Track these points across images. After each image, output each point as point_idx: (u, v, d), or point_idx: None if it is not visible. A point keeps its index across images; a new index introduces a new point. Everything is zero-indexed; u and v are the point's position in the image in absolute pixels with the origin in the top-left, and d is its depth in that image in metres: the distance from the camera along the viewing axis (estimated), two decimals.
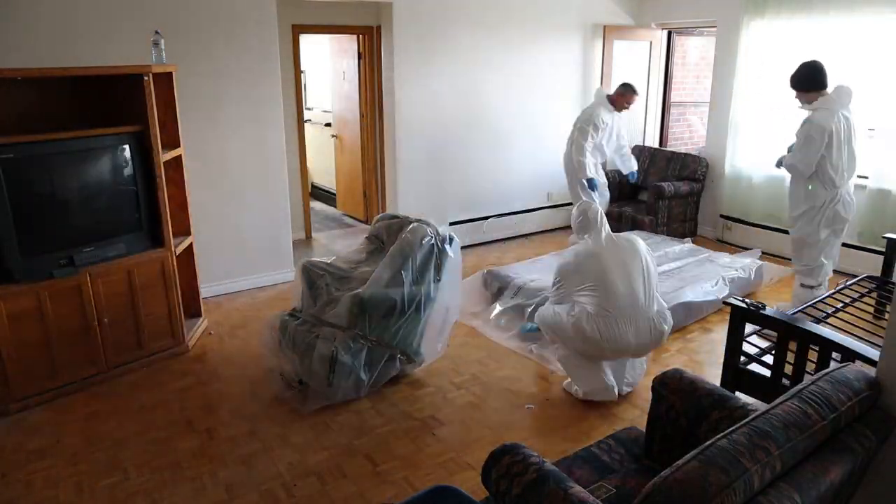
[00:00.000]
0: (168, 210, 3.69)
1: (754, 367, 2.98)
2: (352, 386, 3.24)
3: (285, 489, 2.65)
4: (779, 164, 4.24)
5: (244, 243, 4.88)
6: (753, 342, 3.21)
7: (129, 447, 2.95)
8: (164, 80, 3.76)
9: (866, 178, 5.13)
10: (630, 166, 5.76)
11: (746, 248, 5.64)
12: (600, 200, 5.48)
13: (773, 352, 2.91)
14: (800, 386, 1.68)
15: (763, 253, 5.51)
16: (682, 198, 6.06)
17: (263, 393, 3.42)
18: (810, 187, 4.01)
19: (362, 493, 2.62)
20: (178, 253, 3.83)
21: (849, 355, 2.54)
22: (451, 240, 3.46)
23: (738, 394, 2.55)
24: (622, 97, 5.34)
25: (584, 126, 5.32)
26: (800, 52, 5.35)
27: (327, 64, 7.19)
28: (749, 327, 3.06)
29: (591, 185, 5.43)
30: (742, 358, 3.00)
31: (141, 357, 3.69)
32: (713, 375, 3.37)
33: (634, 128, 7.01)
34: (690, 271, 4.71)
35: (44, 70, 3.36)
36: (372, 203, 6.70)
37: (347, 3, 5.77)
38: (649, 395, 2.20)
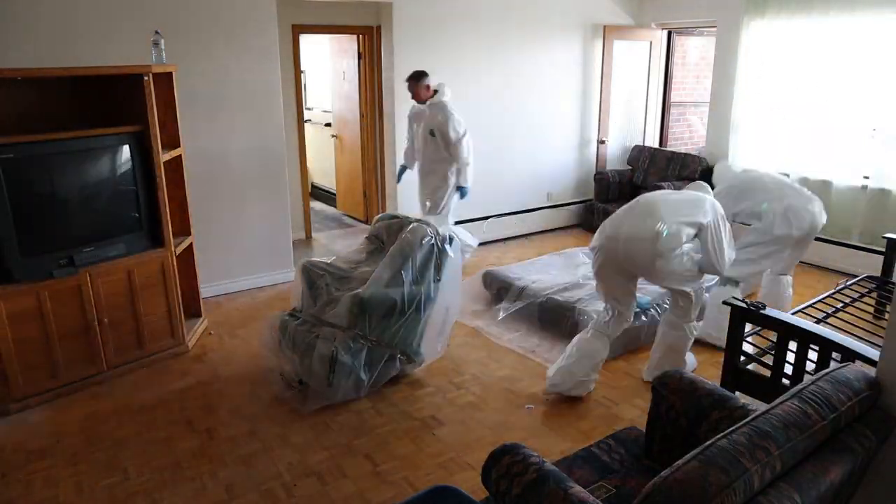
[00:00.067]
0: (168, 210, 3.69)
1: (751, 366, 2.99)
2: (352, 386, 3.24)
3: (285, 489, 2.65)
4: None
5: (244, 243, 4.88)
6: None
7: (129, 447, 2.95)
8: (164, 80, 3.76)
9: (867, 178, 5.14)
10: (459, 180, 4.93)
11: None
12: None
13: (773, 352, 2.91)
14: (800, 386, 1.68)
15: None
16: None
17: (263, 393, 3.42)
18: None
19: (362, 493, 2.62)
20: (178, 253, 3.83)
21: (849, 355, 2.54)
22: (450, 240, 3.46)
23: (737, 394, 2.55)
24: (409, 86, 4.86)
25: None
26: (800, 52, 5.37)
27: (327, 64, 7.19)
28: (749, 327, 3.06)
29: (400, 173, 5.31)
30: (742, 358, 3.00)
31: (141, 357, 3.69)
32: (713, 375, 3.37)
33: (634, 128, 7.02)
34: None
35: (44, 70, 3.36)
36: (372, 203, 6.70)
37: (347, 3, 5.77)
38: (649, 395, 2.20)
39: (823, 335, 2.66)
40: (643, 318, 3.91)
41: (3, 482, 2.71)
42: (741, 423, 1.51)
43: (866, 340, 2.99)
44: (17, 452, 2.92)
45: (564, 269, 4.76)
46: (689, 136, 7.89)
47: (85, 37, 3.97)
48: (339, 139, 7.13)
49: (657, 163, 6.47)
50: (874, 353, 2.52)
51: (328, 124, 7.59)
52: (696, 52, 7.71)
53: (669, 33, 6.93)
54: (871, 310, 3.85)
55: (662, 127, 7.22)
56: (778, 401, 1.61)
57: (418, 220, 3.54)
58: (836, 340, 2.63)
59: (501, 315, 4.27)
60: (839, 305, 3.66)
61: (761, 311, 2.87)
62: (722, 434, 1.48)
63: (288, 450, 2.91)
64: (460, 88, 5.74)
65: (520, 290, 4.36)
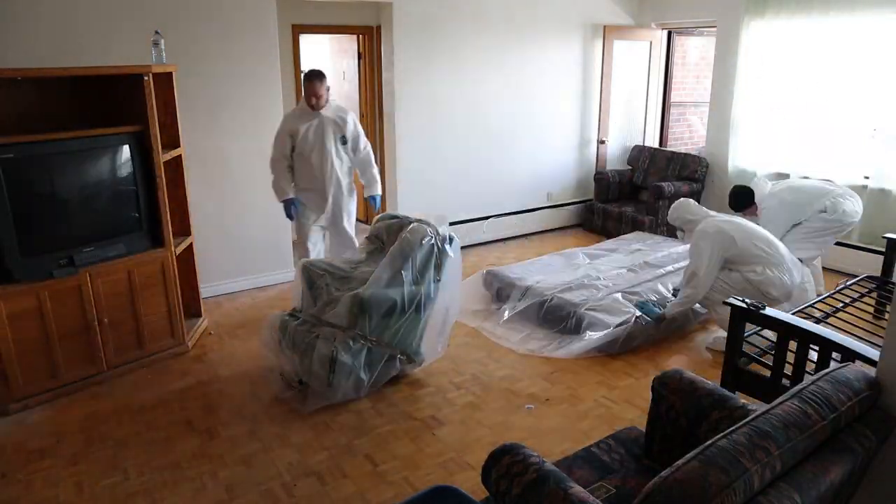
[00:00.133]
0: (168, 210, 3.69)
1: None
2: (352, 386, 3.24)
3: (285, 489, 2.65)
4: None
5: (244, 243, 4.88)
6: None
7: (129, 447, 2.95)
8: (164, 80, 3.76)
9: (867, 178, 5.14)
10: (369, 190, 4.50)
11: None
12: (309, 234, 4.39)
13: (773, 352, 2.91)
14: (800, 386, 1.68)
15: None
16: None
17: (263, 393, 3.42)
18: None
19: (362, 493, 2.62)
20: (178, 253, 3.83)
21: (849, 355, 2.54)
22: (451, 240, 3.46)
23: (737, 394, 2.55)
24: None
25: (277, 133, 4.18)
26: (800, 52, 5.37)
27: (327, 64, 7.18)
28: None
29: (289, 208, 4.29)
30: (742, 358, 3.00)
31: (141, 357, 3.69)
32: (713, 375, 3.37)
33: (634, 128, 7.02)
34: None
35: (44, 70, 3.36)
36: None
37: (347, 3, 5.77)
38: (649, 395, 2.20)
39: (823, 335, 2.66)
40: (642, 319, 3.92)
41: (3, 482, 2.71)
42: (741, 423, 1.51)
43: (866, 340, 2.99)
44: (17, 452, 2.92)
45: (565, 269, 4.76)
46: (689, 136, 7.89)
47: (85, 37, 3.97)
48: None
49: (657, 163, 6.47)
50: (874, 353, 2.52)
51: None
52: (696, 52, 7.72)
53: (669, 33, 6.93)
54: (872, 310, 3.85)
55: (662, 127, 7.22)
56: (778, 401, 1.61)
57: (418, 220, 3.54)
58: (836, 340, 2.63)
59: (507, 315, 4.26)
60: (839, 305, 3.66)
61: (761, 311, 2.87)
62: (722, 434, 1.48)
63: (288, 450, 2.91)
64: (460, 88, 5.76)
65: (524, 289, 4.35)
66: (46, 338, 3.28)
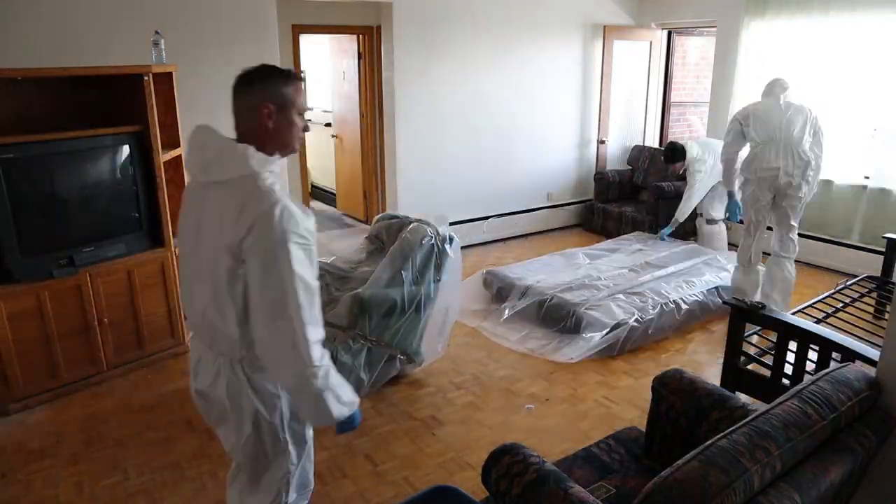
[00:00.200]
0: (168, 210, 3.69)
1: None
2: (352, 386, 3.23)
3: None
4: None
5: None
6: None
7: (129, 447, 2.95)
8: (164, 80, 3.76)
9: (867, 178, 5.14)
10: None
11: None
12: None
13: (773, 352, 2.91)
14: (800, 386, 1.68)
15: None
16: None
17: None
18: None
19: (362, 493, 2.62)
20: (178, 253, 3.82)
21: (848, 355, 2.54)
22: (451, 240, 3.46)
23: (737, 394, 2.56)
24: None
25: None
26: (800, 52, 5.37)
27: (327, 64, 7.19)
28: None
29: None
30: (742, 358, 3.00)
31: (141, 357, 3.69)
32: (713, 375, 3.37)
33: (634, 128, 7.02)
34: (692, 272, 4.70)
35: (44, 70, 3.36)
36: (372, 203, 6.69)
37: (347, 3, 5.77)
38: (649, 395, 2.20)
39: (823, 335, 2.66)
40: (641, 320, 3.92)
41: (3, 482, 2.71)
42: (741, 423, 1.51)
43: (866, 340, 2.99)
44: (17, 452, 2.92)
45: (565, 269, 4.77)
46: (689, 136, 7.88)
47: (85, 37, 3.97)
48: (339, 139, 7.13)
49: (657, 163, 6.47)
50: (874, 353, 2.52)
51: (328, 124, 7.58)
52: (696, 52, 7.71)
53: (669, 33, 6.93)
54: (871, 310, 3.85)
55: (662, 127, 7.22)
56: (778, 401, 1.61)
57: (418, 220, 3.54)
58: (836, 340, 2.63)
59: (507, 314, 4.26)
60: (839, 305, 3.67)
61: (761, 311, 2.88)
62: (722, 434, 1.48)
63: None
64: (460, 88, 5.76)
65: (524, 288, 4.35)
66: (46, 338, 3.28)
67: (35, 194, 3.18)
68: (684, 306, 4.15)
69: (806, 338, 2.72)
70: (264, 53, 4.64)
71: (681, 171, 5.26)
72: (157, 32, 3.73)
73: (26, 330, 3.20)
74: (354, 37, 6.27)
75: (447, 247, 3.42)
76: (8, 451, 2.93)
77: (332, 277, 3.51)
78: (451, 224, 3.96)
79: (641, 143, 6.99)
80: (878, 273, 4.23)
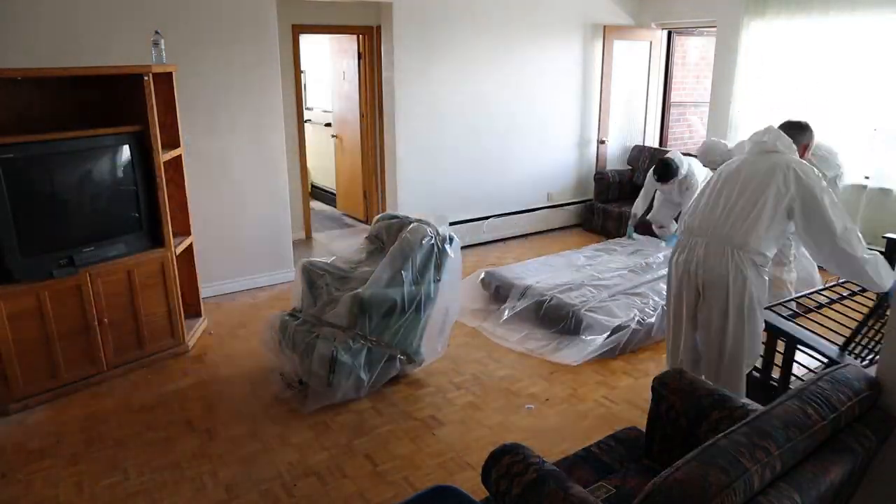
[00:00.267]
0: (168, 210, 3.69)
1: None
2: (352, 386, 3.24)
3: (285, 489, 2.65)
4: None
5: (244, 243, 4.88)
6: None
7: (129, 447, 2.95)
8: (164, 80, 3.76)
9: (867, 178, 5.14)
10: None
11: None
12: None
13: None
14: (800, 386, 1.68)
15: None
16: None
17: (263, 393, 3.42)
18: None
19: (362, 493, 2.62)
20: (178, 253, 3.83)
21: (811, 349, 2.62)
22: (451, 240, 3.46)
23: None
24: None
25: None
26: (800, 52, 5.37)
27: (327, 64, 7.19)
28: None
29: None
30: None
31: (141, 357, 3.69)
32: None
33: (634, 128, 7.02)
34: None
35: (44, 70, 3.36)
36: (372, 203, 6.70)
37: (347, 3, 5.77)
38: (649, 394, 2.20)
39: (789, 331, 2.75)
40: (642, 323, 3.92)
41: (3, 482, 2.71)
42: (741, 423, 1.51)
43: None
44: (17, 452, 2.92)
45: (565, 270, 4.76)
46: (690, 136, 7.88)
47: (85, 37, 3.97)
48: (339, 139, 7.13)
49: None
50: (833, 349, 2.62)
51: (328, 124, 7.59)
52: (696, 52, 7.71)
53: (669, 33, 6.93)
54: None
55: (662, 127, 7.22)
56: (778, 401, 1.61)
57: (418, 220, 3.54)
58: (799, 336, 2.71)
59: (506, 314, 4.25)
60: (824, 301, 3.64)
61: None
62: (722, 434, 1.48)
63: (288, 450, 2.91)
64: (460, 88, 5.76)
65: (524, 289, 4.34)
66: (46, 338, 3.28)
67: (35, 194, 3.18)
68: None
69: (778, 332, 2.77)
70: (264, 53, 4.64)
71: (669, 191, 5.00)
72: (157, 32, 3.74)
73: (26, 330, 3.20)
74: (354, 37, 6.27)
75: (447, 247, 3.42)
76: (8, 451, 2.93)
77: (332, 277, 3.51)
78: (451, 224, 3.97)
79: (641, 143, 6.99)
80: None
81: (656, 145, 7.08)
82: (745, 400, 2.05)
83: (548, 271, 4.72)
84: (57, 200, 3.28)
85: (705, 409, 1.99)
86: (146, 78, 3.42)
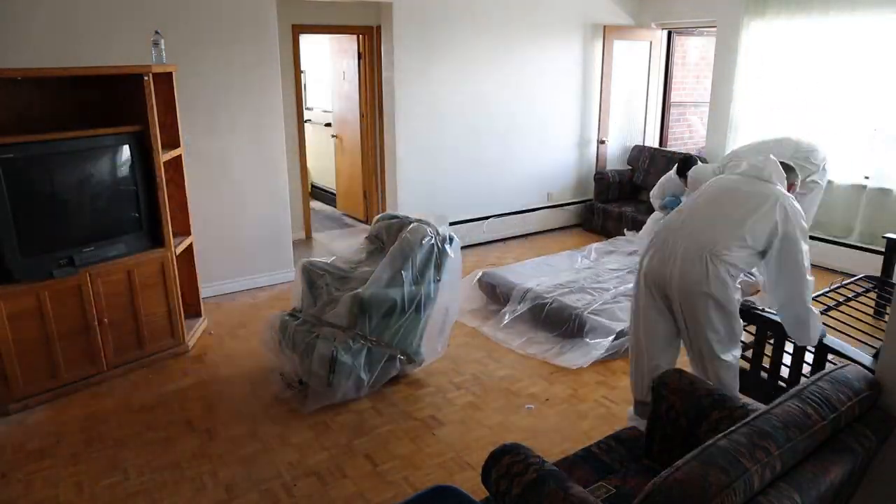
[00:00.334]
0: (168, 210, 3.69)
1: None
2: (352, 386, 3.24)
3: (285, 489, 2.65)
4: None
5: (244, 243, 4.88)
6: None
7: (129, 447, 2.95)
8: (164, 80, 3.76)
9: (867, 178, 5.14)
10: None
11: None
12: None
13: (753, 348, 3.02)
14: (800, 386, 1.68)
15: None
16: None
17: (263, 393, 3.42)
18: None
19: (362, 493, 2.62)
20: (178, 253, 3.82)
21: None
22: (451, 240, 3.46)
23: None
24: None
25: None
26: (800, 52, 5.37)
27: (327, 64, 7.19)
28: None
29: None
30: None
31: (141, 357, 3.69)
32: None
33: (634, 128, 7.02)
34: None
35: (44, 70, 3.36)
36: (372, 203, 6.70)
37: (347, 3, 5.77)
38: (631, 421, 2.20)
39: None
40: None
41: (3, 482, 2.71)
42: (741, 423, 1.51)
43: (862, 342, 3.00)
44: (17, 452, 2.92)
45: (562, 271, 4.74)
46: (689, 136, 7.88)
47: (85, 37, 3.97)
48: (339, 139, 7.13)
49: (657, 163, 6.47)
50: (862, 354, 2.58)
51: (328, 124, 7.59)
52: (696, 52, 7.71)
53: (669, 33, 6.93)
54: (871, 311, 3.85)
55: (662, 127, 7.22)
56: (778, 401, 1.61)
57: (418, 220, 3.54)
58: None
59: (507, 318, 4.21)
60: (832, 303, 3.67)
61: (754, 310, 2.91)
62: (722, 434, 1.48)
63: (288, 450, 2.91)
64: (460, 88, 5.76)
65: (524, 292, 4.32)
66: (46, 338, 3.28)
67: (35, 194, 3.18)
68: None
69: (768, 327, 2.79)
70: (264, 53, 4.64)
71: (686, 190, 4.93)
72: (157, 32, 3.74)
73: (26, 330, 3.20)
74: (354, 37, 6.27)
75: (447, 247, 3.42)
76: (8, 451, 2.93)
77: (332, 277, 3.51)
78: (451, 224, 3.97)
79: (641, 143, 6.99)
80: (877, 272, 4.22)
81: (656, 145, 7.08)
82: (746, 400, 2.05)
83: (546, 272, 4.70)
84: (57, 200, 3.28)
85: (705, 409, 1.99)
86: (146, 78, 3.42)
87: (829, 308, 3.60)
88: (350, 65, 6.51)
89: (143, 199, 3.58)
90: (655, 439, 2.15)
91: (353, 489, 2.64)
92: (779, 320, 2.78)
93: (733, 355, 2.68)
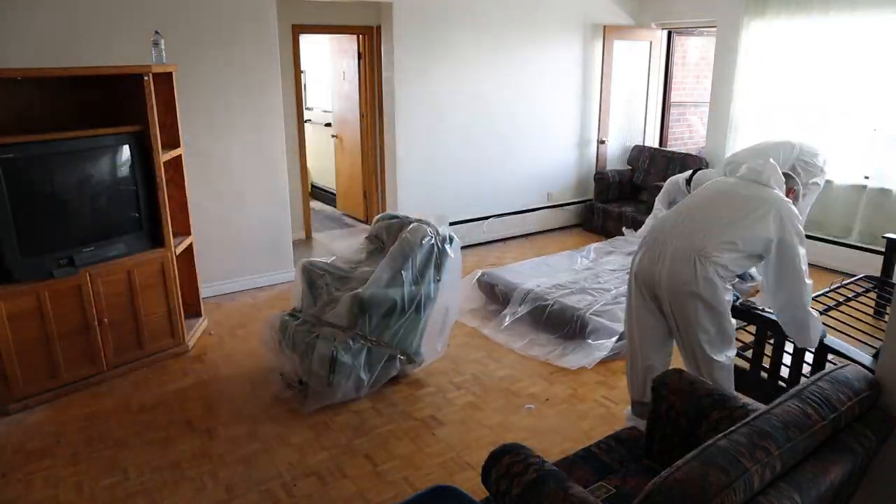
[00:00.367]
0: (168, 210, 3.69)
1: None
2: (352, 386, 3.24)
3: (285, 489, 2.65)
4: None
5: (244, 243, 4.88)
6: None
7: (129, 447, 2.95)
8: (164, 80, 3.76)
9: (867, 178, 5.14)
10: None
11: None
12: None
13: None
14: (800, 386, 1.68)
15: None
16: None
17: (263, 393, 3.42)
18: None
19: (362, 493, 2.62)
20: (178, 253, 3.82)
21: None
22: (451, 240, 3.46)
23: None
24: None
25: None
26: (800, 52, 5.37)
27: (327, 64, 7.19)
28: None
29: None
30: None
31: (141, 357, 3.69)
32: None
33: (634, 128, 7.02)
34: None
35: (44, 70, 3.36)
36: (372, 203, 6.70)
37: (347, 3, 5.77)
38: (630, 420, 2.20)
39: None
40: None
41: (3, 482, 2.71)
42: (741, 423, 1.51)
43: (863, 342, 3.00)
44: (17, 452, 2.92)
45: (561, 272, 4.74)
46: (689, 136, 7.89)
47: (85, 37, 3.97)
48: (339, 139, 7.13)
49: (657, 163, 6.47)
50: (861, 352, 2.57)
51: (328, 124, 7.59)
52: (696, 52, 7.71)
53: (669, 33, 6.93)
54: (871, 311, 3.85)
55: (662, 127, 7.22)
56: (778, 401, 1.61)
57: (418, 220, 3.54)
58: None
59: (508, 321, 4.19)
60: (832, 304, 3.67)
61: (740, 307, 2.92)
62: (722, 434, 1.48)
63: (288, 450, 2.91)
64: (460, 88, 5.76)
65: (525, 293, 4.30)
66: (46, 338, 3.28)
67: (35, 194, 3.18)
68: None
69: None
70: (264, 53, 4.64)
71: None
72: (157, 32, 3.74)
73: (26, 330, 3.20)
74: (354, 37, 6.27)
75: (447, 247, 3.42)
76: (8, 451, 2.93)
77: (332, 277, 3.51)
78: (451, 224, 3.96)
79: (641, 143, 6.99)
80: (877, 273, 4.22)
81: (656, 145, 7.08)
82: (746, 400, 2.05)
83: (546, 273, 4.70)
84: (57, 200, 3.28)
85: (705, 409, 1.99)
86: (146, 78, 3.42)
87: (829, 308, 3.61)
88: (350, 65, 6.51)
89: (143, 199, 3.58)
90: (655, 439, 2.15)
91: (353, 489, 2.64)
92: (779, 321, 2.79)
93: (726, 356, 2.67)
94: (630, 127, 6.98)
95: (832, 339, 2.82)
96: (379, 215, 3.89)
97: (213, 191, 4.61)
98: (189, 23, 4.31)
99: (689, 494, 1.31)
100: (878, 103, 5.01)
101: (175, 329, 3.82)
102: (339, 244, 6.18)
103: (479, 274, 4.71)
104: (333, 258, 3.72)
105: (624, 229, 5.88)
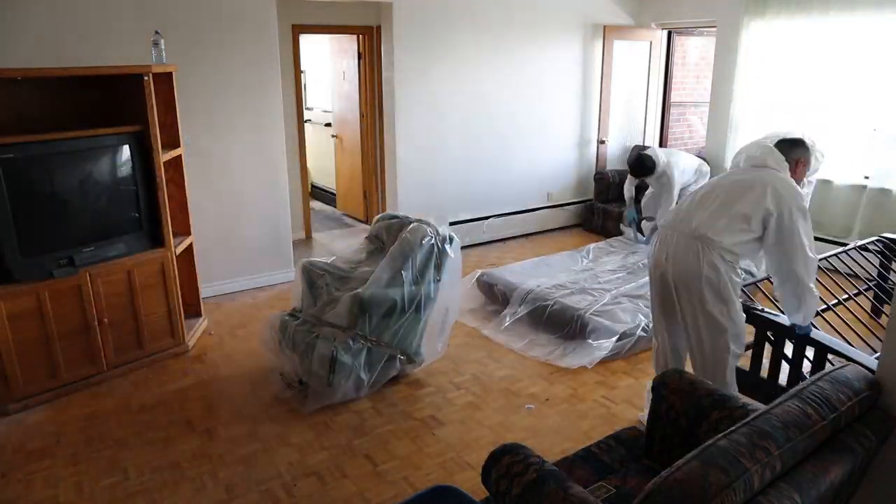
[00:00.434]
0: (168, 210, 3.69)
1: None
2: (352, 386, 3.24)
3: (285, 489, 2.65)
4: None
5: (244, 243, 4.88)
6: None
7: (129, 447, 2.95)
8: (164, 80, 3.76)
9: (867, 178, 5.14)
10: None
11: None
12: None
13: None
14: (800, 386, 1.68)
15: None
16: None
17: (263, 393, 3.42)
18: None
19: (362, 493, 2.62)
20: (178, 253, 3.82)
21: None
22: (451, 240, 3.46)
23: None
24: None
25: None
26: (800, 52, 5.37)
27: (327, 64, 7.19)
28: None
29: None
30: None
31: (141, 357, 3.69)
32: None
33: (634, 128, 7.02)
34: None
35: (44, 70, 3.36)
36: (372, 203, 6.70)
37: (347, 3, 5.77)
38: (649, 395, 2.20)
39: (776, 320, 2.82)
40: (647, 329, 3.91)
41: (3, 482, 2.71)
42: (741, 423, 1.51)
43: (864, 341, 3.00)
44: (17, 452, 2.92)
45: (561, 272, 4.74)
46: (689, 136, 7.88)
47: (85, 37, 3.97)
48: (339, 139, 7.13)
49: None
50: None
51: (328, 124, 7.59)
52: (696, 52, 7.71)
53: (669, 33, 6.93)
54: (870, 311, 3.85)
55: (662, 127, 7.22)
56: (778, 401, 1.61)
57: (418, 220, 3.54)
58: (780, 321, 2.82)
59: (508, 321, 4.19)
60: (832, 302, 3.67)
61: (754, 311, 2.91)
62: (722, 434, 1.48)
63: (288, 450, 2.91)
64: (460, 88, 5.76)
65: (525, 293, 4.30)
66: (46, 338, 3.28)
67: (35, 194, 3.18)
68: None
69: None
70: (264, 53, 4.64)
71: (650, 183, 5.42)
72: (157, 32, 3.74)
73: (26, 330, 3.20)
74: (354, 37, 6.27)
75: (447, 247, 3.42)
76: (8, 451, 2.93)
77: (332, 277, 3.51)
78: (451, 224, 3.97)
79: (641, 143, 6.99)
80: (875, 274, 4.21)
81: (656, 145, 7.08)
82: (746, 400, 2.05)
83: (545, 273, 4.70)
84: (57, 200, 3.28)
85: (705, 409, 2.00)
86: (146, 78, 3.42)
87: (829, 308, 3.60)
88: (350, 65, 6.51)
89: (143, 199, 3.58)
90: (655, 439, 2.15)
91: (353, 489, 2.64)
92: (779, 321, 2.78)
93: (732, 350, 2.67)
94: (630, 127, 6.98)
95: (832, 339, 2.81)
96: (379, 215, 3.89)
97: (213, 191, 4.61)
98: (189, 23, 4.31)
99: (689, 494, 1.31)
100: (878, 103, 5.01)
101: (175, 329, 3.82)
102: (339, 244, 6.19)
103: (478, 274, 4.71)
104: (333, 258, 3.72)
105: (622, 227, 5.89)
